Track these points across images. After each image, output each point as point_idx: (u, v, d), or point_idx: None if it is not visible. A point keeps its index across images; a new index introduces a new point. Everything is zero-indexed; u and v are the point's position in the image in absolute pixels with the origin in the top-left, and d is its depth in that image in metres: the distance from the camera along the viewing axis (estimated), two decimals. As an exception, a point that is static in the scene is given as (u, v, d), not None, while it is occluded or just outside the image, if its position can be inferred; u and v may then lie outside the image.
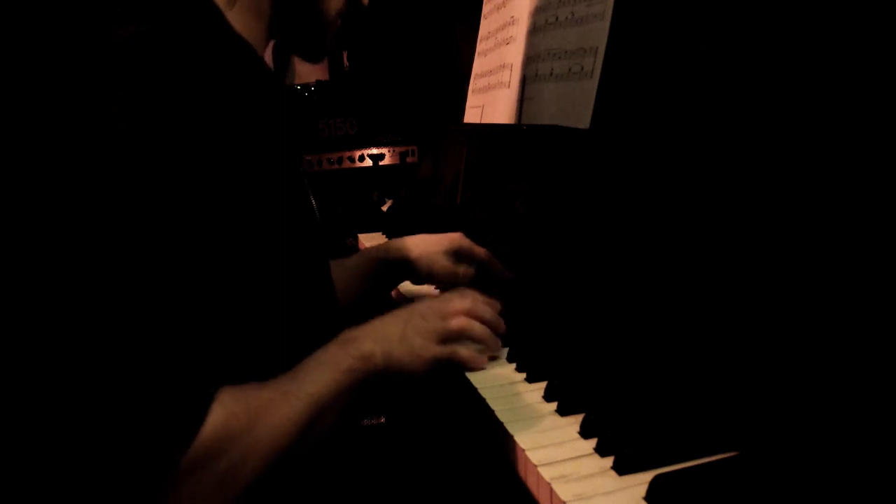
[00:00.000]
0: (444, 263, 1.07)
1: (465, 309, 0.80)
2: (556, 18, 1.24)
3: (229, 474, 0.60)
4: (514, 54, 1.44)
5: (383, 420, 1.10)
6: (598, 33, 1.08)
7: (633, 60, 1.03)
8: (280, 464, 0.64)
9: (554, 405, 0.72)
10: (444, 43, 2.59)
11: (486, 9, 1.75)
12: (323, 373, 0.70)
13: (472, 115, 1.74)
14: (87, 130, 0.57)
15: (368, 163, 2.72)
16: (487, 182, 1.37)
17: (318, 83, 2.81)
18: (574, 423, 0.68)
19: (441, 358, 0.77)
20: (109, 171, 0.57)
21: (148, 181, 0.57)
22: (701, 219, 0.77)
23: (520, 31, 1.43)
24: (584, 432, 0.66)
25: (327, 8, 0.83)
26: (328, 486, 0.82)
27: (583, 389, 0.73)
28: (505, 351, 0.86)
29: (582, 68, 1.11)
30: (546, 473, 0.60)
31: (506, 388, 0.78)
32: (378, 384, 0.74)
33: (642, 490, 0.56)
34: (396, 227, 1.83)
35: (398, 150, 2.72)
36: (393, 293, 1.28)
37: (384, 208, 2.20)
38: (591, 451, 0.63)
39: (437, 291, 1.20)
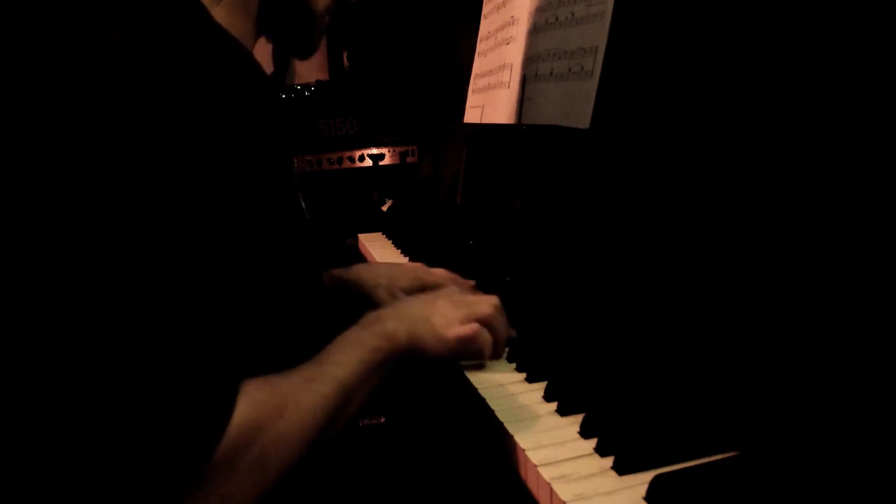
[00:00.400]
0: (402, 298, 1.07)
1: (492, 303, 0.83)
2: (556, 18, 1.24)
3: (261, 464, 0.60)
4: (514, 54, 1.44)
5: (383, 420, 1.10)
6: (598, 33, 1.08)
7: (633, 60, 1.03)
8: (312, 451, 0.64)
9: (554, 405, 0.72)
10: (444, 43, 2.59)
11: (486, 9, 1.75)
12: (348, 354, 0.70)
13: (472, 115, 1.74)
14: (87, 130, 0.57)
15: (368, 163, 2.72)
16: (487, 182, 1.37)
17: (318, 83, 2.81)
18: (574, 423, 0.68)
19: (464, 336, 0.78)
20: (109, 170, 0.57)
21: (148, 181, 0.57)
22: (701, 219, 0.77)
23: (520, 31, 1.43)
24: (584, 432, 0.66)
25: (315, 3, 0.83)
26: (328, 486, 0.82)
27: (583, 389, 0.73)
28: (505, 351, 0.86)
29: (582, 68, 1.11)
30: (546, 473, 0.60)
31: (506, 388, 0.78)
32: (403, 365, 0.75)
33: (642, 490, 0.56)
34: (396, 227, 1.83)
35: (398, 150, 2.72)
36: None
37: (384, 208, 2.20)
38: (591, 451, 0.63)
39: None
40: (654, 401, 0.68)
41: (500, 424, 0.70)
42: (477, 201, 1.40)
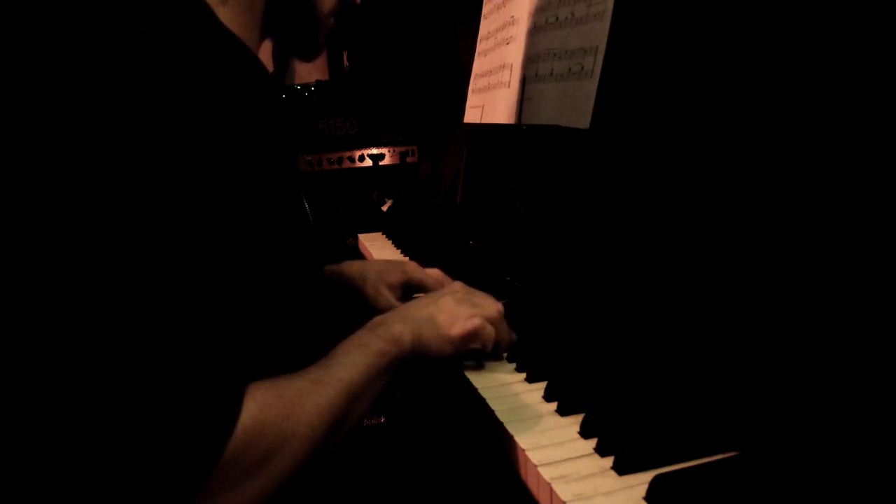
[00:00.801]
0: (387, 297, 1.07)
1: (496, 307, 0.83)
2: (556, 18, 1.24)
3: (267, 465, 0.60)
4: (514, 54, 1.44)
5: (383, 420, 1.10)
6: (598, 33, 1.08)
7: (633, 60, 1.03)
8: (318, 453, 0.65)
9: (554, 405, 0.72)
10: (444, 43, 2.59)
11: (486, 9, 1.75)
12: (353, 358, 0.71)
13: (472, 115, 1.74)
14: (88, 130, 0.57)
15: (368, 163, 2.72)
16: (487, 182, 1.37)
17: (318, 83, 2.81)
18: (574, 423, 0.68)
19: (468, 332, 0.78)
20: (109, 170, 0.57)
21: (148, 180, 0.57)
22: (701, 219, 0.77)
23: (520, 31, 1.43)
24: (584, 432, 0.66)
25: (320, 6, 0.83)
26: (328, 486, 0.82)
27: (583, 389, 0.73)
28: (504, 355, 0.86)
29: (582, 68, 1.11)
30: (546, 473, 0.60)
31: (506, 388, 0.78)
32: (408, 366, 0.75)
33: (642, 490, 0.56)
34: (396, 227, 1.83)
35: (398, 150, 2.73)
36: None
37: (384, 208, 2.21)
38: (591, 451, 0.63)
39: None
40: (654, 401, 0.68)
41: (500, 424, 0.70)
42: (477, 201, 1.40)
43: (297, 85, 2.78)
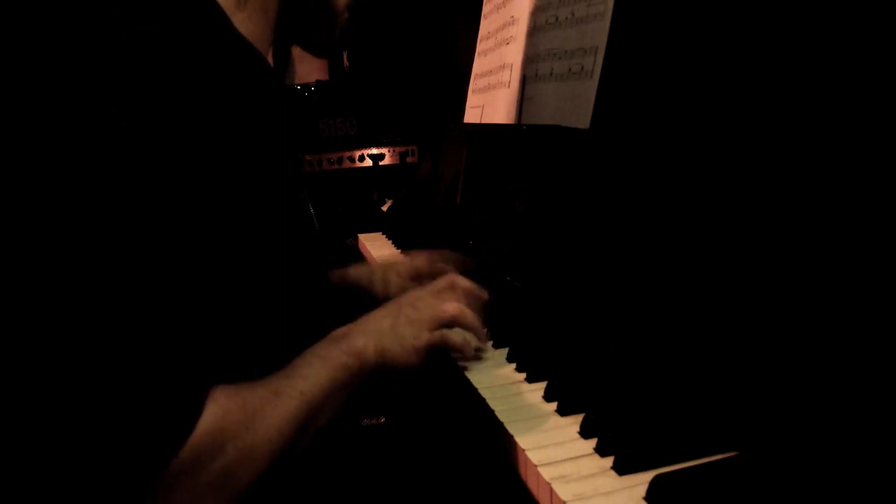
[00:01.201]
0: (397, 282, 1.07)
1: (456, 298, 0.82)
2: (556, 18, 1.24)
3: (226, 474, 0.60)
4: (514, 54, 1.44)
5: (383, 420, 1.10)
6: (598, 33, 1.08)
7: (633, 60, 1.03)
8: (277, 463, 0.64)
9: (554, 405, 0.72)
10: (444, 43, 2.59)
11: (486, 9, 1.75)
12: (316, 370, 0.70)
13: (472, 115, 1.74)
14: (88, 130, 0.57)
15: (368, 163, 2.72)
16: (487, 182, 1.37)
17: (318, 83, 2.81)
18: (574, 423, 0.68)
19: (434, 343, 0.78)
20: (109, 170, 0.57)
21: (147, 181, 0.57)
22: (701, 219, 0.77)
23: (520, 31, 1.43)
24: (584, 432, 0.66)
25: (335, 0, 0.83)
26: (328, 486, 0.82)
27: (583, 389, 0.73)
28: (505, 351, 0.86)
29: (582, 68, 1.11)
30: (546, 473, 0.60)
31: (506, 388, 0.78)
32: (374, 379, 0.75)
33: (642, 490, 0.56)
34: (396, 227, 1.83)
35: (398, 150, 2.73)
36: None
37: (384, 208, 2.21)
38: (591, 451, 0.63)
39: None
40: (654, 401, 0.68)
41: (500, 424, 0.70)
42: (477, 201, 1.40)
43: (297, 85, 2.78)
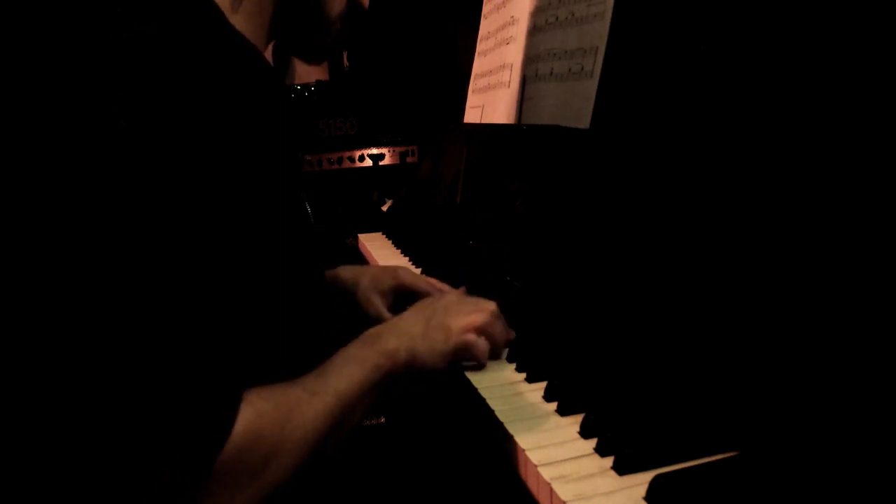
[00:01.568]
0: (376, 306, 1.07)
1: (489, 310, 0.83)
2: (556, 18, 1.24)
3: (262, 472, 0.60)
4: (514, 54, 1.44)
5: (383, 420, 1.10)
6: (598, 33, 1.08)
7: (633, 60, 1.03)
8: (311, 462, 0.65)
9: (554, 405, 0.72)
10: (444, 43, 2.59)
11: (486, 9, 1.75)
12: (349, 370, 0.71)
13: (472, 115, 1.74)
14: (88, 130, 0.57)
15: (368, 163, 2.72)
16: (487, 182, 1.37)
17: (318, 83, 2.81)
18: (574, 423, 0.68)
19: (460, 347, 0.79)
20: (109, 170, 0.57)
21: (147, 180, 0.57)
22: (700, 219, 0.77)
23: (520, 31, 1.43)
24: (584, 432, 0.66)
25: (329, 9, 0.83)
26: (328, 486, 0.82)
27: (583, 389, 0.73)
28: (505, 351, 0.86)
29: (582, 68, 1.11)
30: (546, 473, 0.60)
31: (506, 388, 0.78)
32: (402, 380, 0.76)
33: (642, 490, 0.56)
34: (396, 227, 1.83)
35: (398, 150, 2.73)
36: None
37: (384, 208, 2.21)
38: (591, 451, 0.63)
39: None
40: (654, 401, 0.68)
41: (500, 424, 0.70)
42: (477, 201, 1.40)
43: (297, 85, 2.78)
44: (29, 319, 0.57)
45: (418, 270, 1.31)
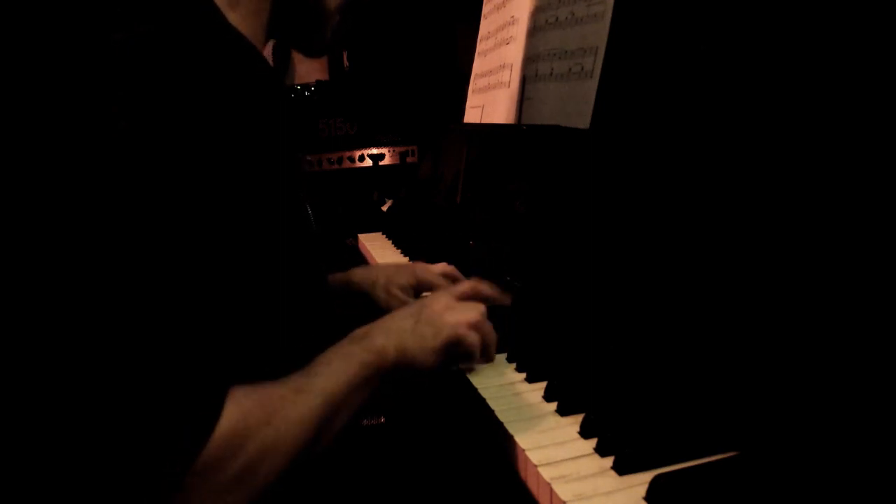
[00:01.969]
0: (400, 299, 1.07)
1: (480, 310, 0.82)
2: (556, 18, 1.24)
3: (247, 472, 0.60)
4: (514, 54, 1.44)
5: (383, 420, 1.10)
6: (598, 33, 1.08)
7: (633, 60, 1.03)
8: (298, 461, 0.64)
9: (554, 405, 0.72)
10: (444, 43, 2.59)
11: (486, 9, 1.75)
12: (337, 368, 0.70)
13: (472, 115, 1.74)
14: (87, 130, 0.57)
15: (368, 163, 2.72)
16: (487, 182, 1.37)
17: (318, 83, 2.81)
18: (574, 423, 0.68)
19: (451, 342, 0.78)
20: (109, 170, 0.57)
21: (147, 180, 0.57)
22: (700, 219, 0.77)
23: (520, 31, 1.43)
24: (584, 432, 0.66)
25: (328, 1, 0.83)
26: (328, 486, 0.82)
27: (583, 389, 0.73)
28: (505, 356, 0.86)
29: (582, 68, 1.12)
30: (546, 473, 0.60)
31: (506, 388, 0.78)
32: (392, 378, 0.75)
33: (642, 490, 0.56)
34: (396, 227, 1.84)
35: (398, 150, 2.73)
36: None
37: (384, 208, 2.21)
38: (591, 451, 0.63)
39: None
40: (654, 401, 0.68)
41: (500, 424, 0.70)
42: (477, 201, 1.40)
43: (297, 85, 2.78)
44: (18, 315, 0.57)
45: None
